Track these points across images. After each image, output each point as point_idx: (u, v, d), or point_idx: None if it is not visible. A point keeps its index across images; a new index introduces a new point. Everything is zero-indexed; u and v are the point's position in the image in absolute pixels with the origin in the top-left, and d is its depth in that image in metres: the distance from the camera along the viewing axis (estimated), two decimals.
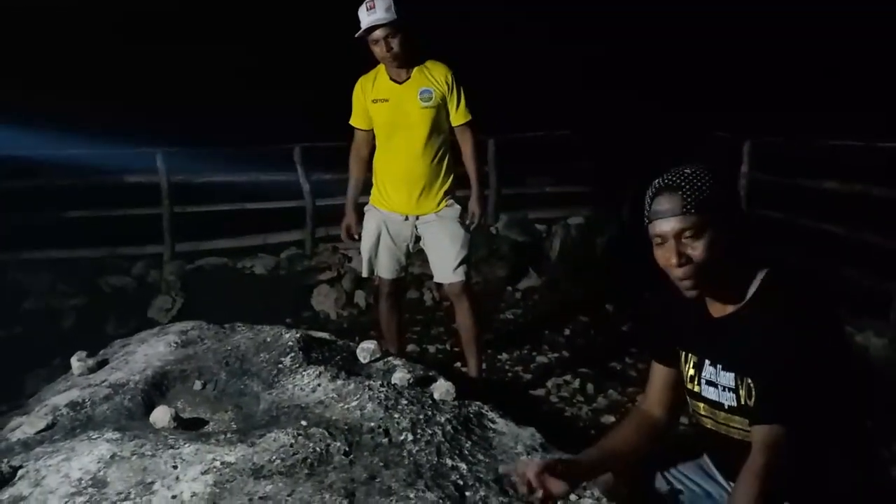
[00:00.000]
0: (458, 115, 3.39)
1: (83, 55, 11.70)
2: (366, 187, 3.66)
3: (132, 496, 1.72)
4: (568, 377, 4.07)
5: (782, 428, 1.48)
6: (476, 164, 3.53)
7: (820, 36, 12.24)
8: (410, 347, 4.52)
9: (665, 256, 1.57)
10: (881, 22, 10.89)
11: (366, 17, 3.16)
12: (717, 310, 1.65)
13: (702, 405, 1.72)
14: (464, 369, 3.89)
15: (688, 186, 1.53)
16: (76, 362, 2.68)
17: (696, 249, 1.53)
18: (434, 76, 3.32)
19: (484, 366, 3.73)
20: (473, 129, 3.47)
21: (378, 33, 3.17)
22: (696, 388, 1.72)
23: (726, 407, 1.64)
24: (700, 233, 1.52)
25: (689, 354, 1.74)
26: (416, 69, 3.32)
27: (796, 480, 1.52)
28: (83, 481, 1.79)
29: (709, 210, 1.52)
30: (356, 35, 3.22)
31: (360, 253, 5.73)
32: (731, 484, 1.73)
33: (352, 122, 3.54)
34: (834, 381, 1.54)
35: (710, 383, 1.68)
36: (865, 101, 9.58)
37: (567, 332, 4.92)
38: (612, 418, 3.58)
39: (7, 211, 6.58)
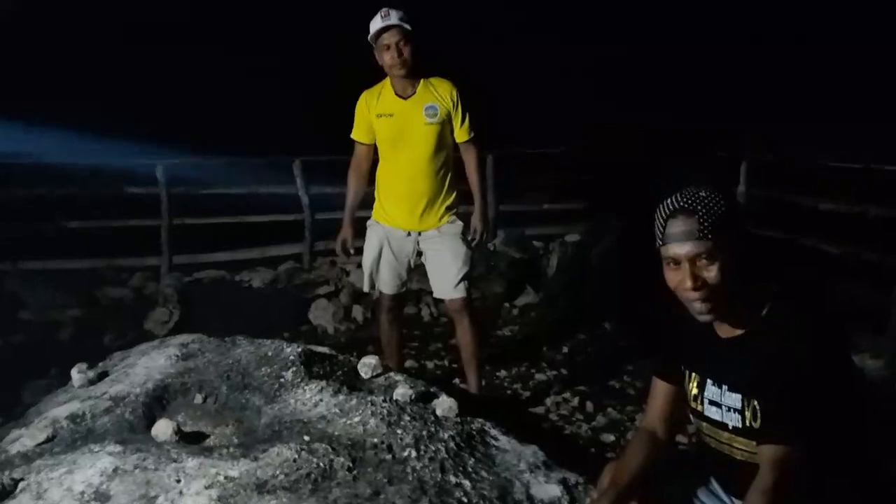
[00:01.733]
0: (462, 132, 3.41)
1: (85, 64, 11.74)
2: (364, 202, 3.67)
3: None
4: (567, 395, 4.07)
5: (790, 448, 1.49)
6: (480, 181, 3.55)
7: (830, 45, 12.36)
8: (408, 363, 4.52)
9: (678, 279, 1.58)
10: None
11: (379, 22, 3.21)
12: (725, 331, 1.66)
13: (704, 424, 1.73)
14: (462, 386, 3.88)
15: (704, 210, 1.53)
16: (76, 374, 2.67)
17: (711, 272, 1.54)
18: (439, 92, 3.34)
19: (483, 382, 3.73)
20: (478, 145, 3.48)
21: (391, 36, 3.20)
22: (699, 408, 1.73)
23: (730, 427, 1.65)
24: (715, 257, 1.53)
25: (693, 374, 1.76)
26: (421, 85, 3.34)
27: (800, 499, 1.53)
28: (86, 494, 1.79)
29: (724, 234, 1.53)
30: (369, 37, 3.26)
31: (358, 267, 5.74)
32: (734, 500, 1.74)
33: (353, 135, 3.54)
34: (840, 402, 1.55)
35: (712, 403, 1.69)
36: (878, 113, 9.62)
37: (565, 349, 4.92)
38: (611, 437, 3.58)
39: (6, 221, 6.58)
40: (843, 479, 1.60)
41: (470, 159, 3.49)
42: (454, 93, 3.36)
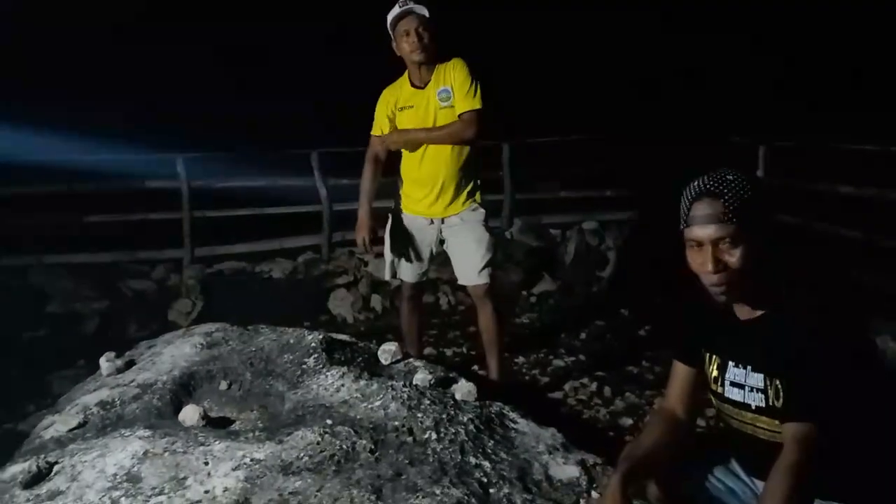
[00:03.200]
0: (462, 102, 3.25)
1: (105, 60, 11.86)
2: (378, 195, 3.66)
3: (166, 491, 1.78)
4: (585, 380, 4.10)
5: (814, 426, 1.51)
6: (441, 131, 3.31)
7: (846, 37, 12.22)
8: (427, 350, 4.56)
9: (700, 261, 1.59)
10: None
11: (397, 9, 3.22)
12: (745, 313, 1.68)
13: (726, 406, 1.75)
14: (481, 372, 3.92)
15: (730, 194, 1.54)
16: (105, 363, 2.74)
17: (734, 257, 1.55)
18: (448, 73, 3.31)
19: (502, 368, 3.75)
20: (480, 117, 3.25)
21: (409, 22, 3.21)
22: (720, 390, 1.75)
23: (753, 407, 1.66)
24: (738, 241, 1.54)
25: (713, 356, 1.77)
26: (435, 71, 3.32)
27: (822, 477, 1.55)
28: (118, 476, 1.85)
29: (749, 219, 1.53)
30: (389, 23, 3.26)
31: (376, 257, 5.77)
32: (754, 480, 1.76)
33: (373, 132, 3.51)
34: (862, 382, 1.56)
35: (734, 384, 1.71)
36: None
37: (583, 335, 4.94)
38: (630, 420, 3.60)
39: (30, 215, 6.71)
40: (864, 459, 1.61)
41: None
42: (458, 65, 3.28)
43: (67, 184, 6.88)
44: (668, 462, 1.82)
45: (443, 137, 3.32)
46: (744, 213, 1.53)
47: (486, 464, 1.94)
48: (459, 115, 3.27)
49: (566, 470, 1.98)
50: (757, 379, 1.64)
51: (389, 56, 3.39)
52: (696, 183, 1.60)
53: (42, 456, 1.97)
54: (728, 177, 1.56)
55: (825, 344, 1.52)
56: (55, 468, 1.92)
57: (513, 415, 2.31)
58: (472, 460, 1.95)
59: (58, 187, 6.87)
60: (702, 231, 1.56)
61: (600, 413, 3.72)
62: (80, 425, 2.27)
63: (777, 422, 1.60)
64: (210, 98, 11.08)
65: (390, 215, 3.60)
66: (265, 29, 14.16)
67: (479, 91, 3.26)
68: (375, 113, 3.49)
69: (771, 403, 1.61)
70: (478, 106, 3.25)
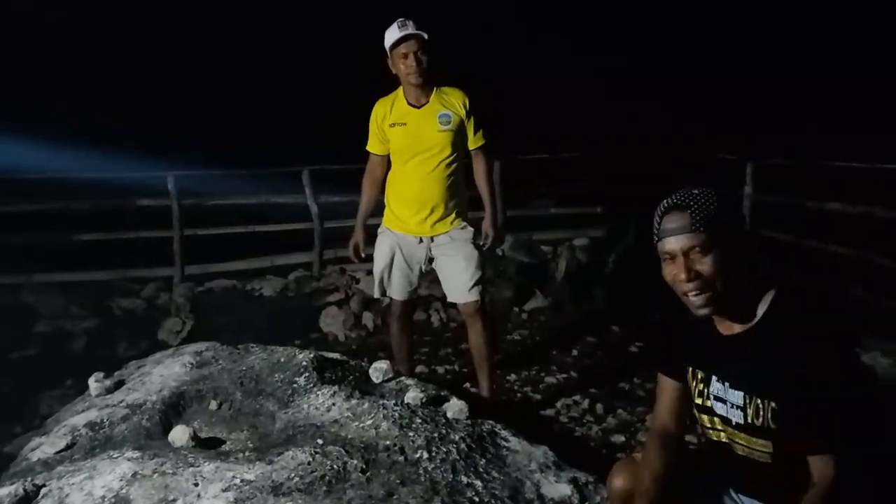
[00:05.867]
0: (475, 139, 3.46)
1: (96, 77, 11.85)
2: (377, 209, 3.71)
3: None
4: (577, 397, 4.09)
5: (835, 457, 1.52)
6: (490, 187, 3.59)
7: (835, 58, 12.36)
8: (419, 368, 4.54)
9: (674, 273, 1.62)
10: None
11: (397, 32, 3.25)
12: (727, 328, 1.69)
13: (708, 420, 1.75)
14: (473, 390, 3.91)
15: (696, 205, 1.59)
16: (94, 383, 2.72)
17: (705, 265, 1.58)
18: (452, 101, 3.39)
19: (494, 386, 3.75)
20: (488, 152, 3.54)
21: (409, 45, 3.24)
22: (707, 403, 1.75)
23: (734, 423, 1.67)
24: (708, 249, 1.57)
25: (697, 371, 1.78)
26: (434, 94, 3.38)
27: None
28: (106, 499, 1.83)
29: (717, 228, 1.57)
30: (388, 44, 3.29)
31: (368, 274, 5.80)
32: (741, 497, 1.76)
33: (368, 148, 3.57)
34: (862, 399, 1.57)
35: (718, 399, 1.71)
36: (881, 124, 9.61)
37: (575, 352, 4.94)
38: (621, 438, 3.60)
39: (19, 233, 6.67)
40: (864, 476, 1.61)
41: (480, 166, 3.55)
42: (466, 101, 3.41)
43: (58, 201, 6.85)
44: (667, 479, 1.81)
45: (491, 181, 3.64)
46: (711, 221, 1.57)
47: (478, 483, 1.93)
48: (477, 149, 3.50)
49: (558, 488, 1.98)
50: (737, 396, 1.65)
51: (383, 71, 3.42)
52: (664, 200, 1.66)
53: (29, 478, 1.95)
54: (694, 191, 1.61)
55: (828, 368, 1.51)
56: (42, 491, 1.90)
57: (504, 433, 2.31)
58: (464, 479, 1.95)
59: (49, 205, 6.84)
60: (673, 243, 1.60)
61: (592, 430, 3.71)
62: (68, 447, 2.25)
63: (754, 439, 1.61)
64: (205, 114, 11.09)
65: (379, 232, 3.61)
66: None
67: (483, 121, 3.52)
68: (369, 127, 3.55)
69: (749, 421, 1.62)
70: (487, 136, 3.52)
